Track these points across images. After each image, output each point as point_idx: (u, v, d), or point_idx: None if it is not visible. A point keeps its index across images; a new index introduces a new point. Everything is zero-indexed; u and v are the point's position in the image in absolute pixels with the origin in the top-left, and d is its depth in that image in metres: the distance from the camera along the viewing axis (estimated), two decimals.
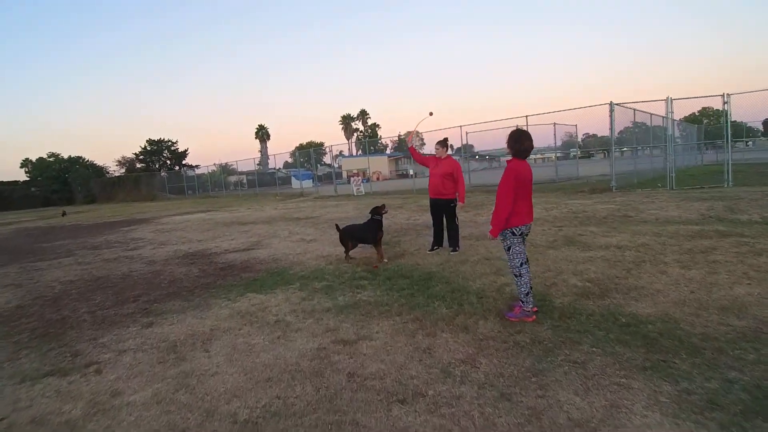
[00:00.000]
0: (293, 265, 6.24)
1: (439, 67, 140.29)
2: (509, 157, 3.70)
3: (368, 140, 53.55)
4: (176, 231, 11.82)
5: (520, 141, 3.63)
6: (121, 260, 7.82)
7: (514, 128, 3.81)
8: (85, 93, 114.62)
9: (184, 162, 56.20)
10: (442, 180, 6.28)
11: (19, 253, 9.92)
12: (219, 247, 8.38)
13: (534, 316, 3.59)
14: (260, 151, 74.56)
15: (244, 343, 3.40)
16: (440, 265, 5.58)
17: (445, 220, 6.46)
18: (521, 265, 3.60)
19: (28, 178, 55.49)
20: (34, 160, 56.40)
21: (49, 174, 53.53)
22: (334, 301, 4.38)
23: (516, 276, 3.64)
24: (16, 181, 54.89)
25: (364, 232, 6.32)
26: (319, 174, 38.80)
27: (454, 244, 6.33)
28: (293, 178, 40.38)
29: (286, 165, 59.88)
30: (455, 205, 6.37)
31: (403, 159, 59.30)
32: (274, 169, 49.43)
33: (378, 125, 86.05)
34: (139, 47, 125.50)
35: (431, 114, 6.75)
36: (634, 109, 15.64)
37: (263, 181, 41.31)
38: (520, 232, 3.60)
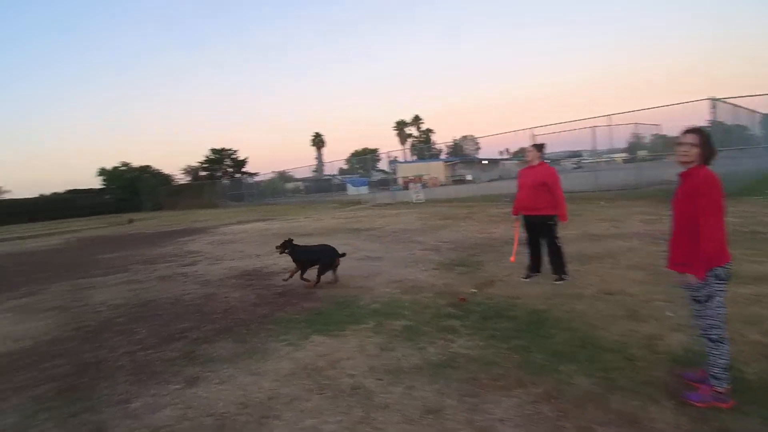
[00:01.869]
0: (361, 293, 5.30)
1: (496, 64, 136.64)
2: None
3: (423, 145, 52.37)
4: (233, 243, 11.31)
5: (711, 143, 2.48)
6: (175, 278, 7.24)
7: (692, 126, 2.61)
8: (156, 103, 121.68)
9: (243, 170, 57.67)
10: (534, 192, 5.07)
11: (76, 266, 9.70)
12: (277, 264, 7.62)
13: (731, 401, 2.41)
14: (316, 158, 75.56)
15: (314, 429, 2.45)
16: (547, 300, 4.43)
17: (542, 240, 5.26)
18: (724, 325, 2.43)
19: (103, 186, 58.97)
20: (109, 168, 59.84)
21: (120, 183, 56.62)
22: (423, 353, 3.37)
23: (713, 342, 2.45)
24: (92, 189, 58.55)
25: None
26: (373, 180, 38.18)
27: (559, 270, 5.12)
28: (349, 185, 40.05)
29: (341, 171, 59.99)
30: (554, 223, 5.12)
31: (459, 164, 57.68)
32: (330, 175, 49.55)
33: (432, 130, 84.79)
34: (203, 61, 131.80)
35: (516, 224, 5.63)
36: (736, 105, 13.63)
37: (319, 187, 41.33)
38: (727, 275, 2.42)
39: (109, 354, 3.95)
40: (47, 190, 61.01)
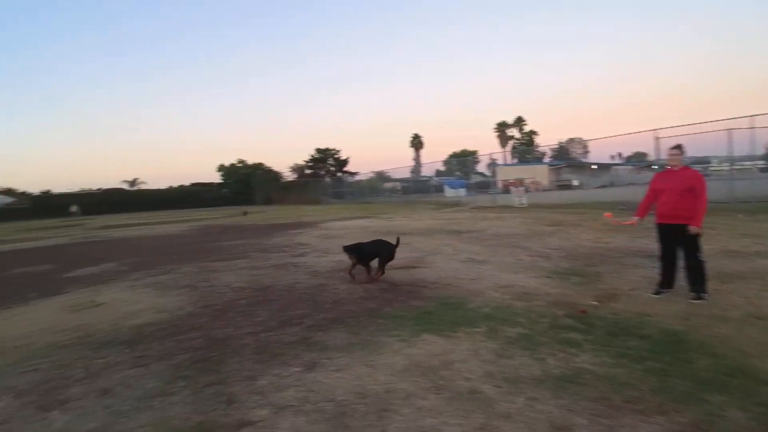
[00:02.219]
0: (470, 295, 5.16)
1: (614, 60, 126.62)
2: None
3: (525, 148, 50.28)
4: (337, 238, 11.74)
5: None
6: (288, 267, 7.68)
7: None
8: (267, 106, 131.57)
9: (345, 169, 60.06)
10: (680, 198, 4.53)
11: (202, 251, 10.74)
12: None
13: None
14: (414, 159, 76.17)
15: (435, 430, 2.40)
16: (684, 321, 3.93)
17: (681, 252, 4.67)
18: None
19: (221, 181, 65.13)
20: (227, 165, 65.92)
21: (236, 178, 62.10)
22: (543, 365, 3.16)
23: None
24: (212, 183, 65.06)
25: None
26: (472, 182, 37.46)
27: (698, 288, 4.53)
28: (446, 187, 39.76)
29: (438, 173, 59.86)
30: (698, 235, 4.52)
31: (565, 168, 54.38)
32: (427, 176, 49.63)
33: (535, 132, 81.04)
34: (309, 64, 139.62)
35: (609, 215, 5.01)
36: None
37: (416, 188, 41.59)
38: None
39: (235, 332, 4.27)
40: (175, 183, 69.07)
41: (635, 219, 5.13)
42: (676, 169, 4.71)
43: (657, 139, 16.56)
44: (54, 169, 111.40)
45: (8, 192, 66.24)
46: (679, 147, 4.75)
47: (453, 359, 3.30)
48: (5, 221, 43.68)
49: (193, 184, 66.04)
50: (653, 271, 5.18)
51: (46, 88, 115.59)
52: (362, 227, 14.65)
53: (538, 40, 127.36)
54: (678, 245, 4.67)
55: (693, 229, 4.43)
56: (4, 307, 5.85)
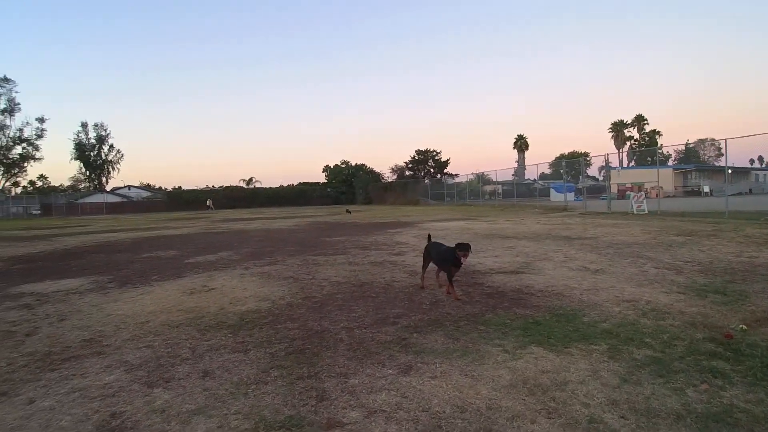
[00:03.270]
0: (585, 307, 4.58)
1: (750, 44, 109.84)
2: None
3: (646, 149, 45.69)
4: (437, 239, 11.47)
5: None
6: (386, 265, 7.60)
7: None
8: (374, 110, 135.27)
9: (445, 171, 59.57)
10: None
11: (306, 245, 11.14)
12: (482, 264, 7.33)
13: None
14: (517, 162, 73.15)
15: None
16: None
17: None
18: None
19: (325, 181, 68.41)
20: (332, 166, 69.05)
21: (339, 178, 64.75)
22: (681, 396, 2.60)
23: None
24: (317, 183, 68.67)
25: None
26: (581, 186, 34.79)
27: None
28: (552, 191, 37.46)
29: (543, 176, 56.65)
30: None
31: (694, 173, 48.32)
32: (532, 180, 47.24)
33: (658, 132, 73.27)
34: (411, 66, 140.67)
35: None
36: None
37: (520, 191, 39.81)
38: None
39: (331, 326, 4.21)
40: (285, 182, 74.20)
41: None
42: None
43: None
44: (183, 168, 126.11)
45: (147, 187, 76.38)
46: None
47: (567, 379, 2.87)
48: (144, 212, 50.38)
49: (301, 184, 70.30)
50: None
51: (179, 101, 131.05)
52: (462, 228, 14.22)
53: (661, 30, 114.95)
54: None
55: None
56: (130, 287, 6.49)
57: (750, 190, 43.30)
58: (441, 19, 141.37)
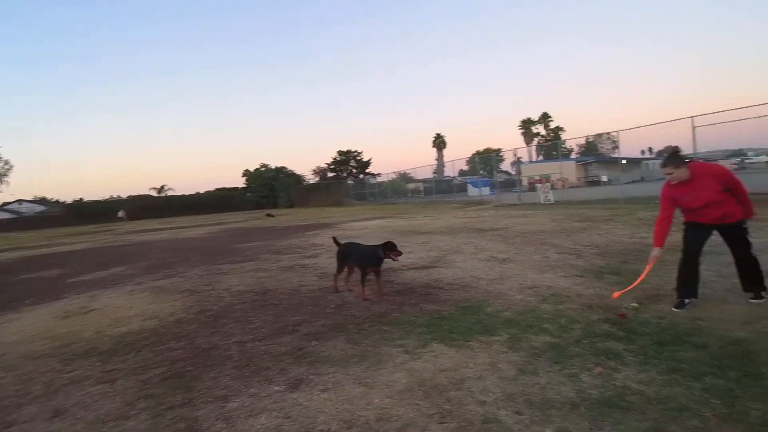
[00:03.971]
0: (490, 297, 4.55)
1: (643, 52, 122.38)
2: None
3: (551, 144, 48.91)
4: (354, 238, 11.23)
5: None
6: (296, 269, 7.21)
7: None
8: (289, 110, 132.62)
9: (367, 171, 59.73)
10: (718, 205, 3.64)
11: (214, 254, 10.39)
12: (396, 261, 7.19)
13: None
14: (437, 159, 75.29)
15: None
16: (746, 326, 3.25)
17: (731, 250, 3.85)
18: None
19: (245, 186, 65.78)
20: (252, 170, 66.50)
21: (260, 182, 62.56)
22: (577, 383, 2.55)
23: None
24: (236, 188, 65.81)
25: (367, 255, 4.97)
26: (496, 181, 36.52)
27: (757, 286, 3.78)
28: (470, 186, 38.93)
29: (461, 172, 58.74)
30: (747, 227, 3.75)
31: (593, 164, 52.60)
32: (450, 176, 48.85)
33: (561, 128, 78.95)
34: (333, 65, 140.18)
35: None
36: None
37: (440, 188, 40.89)
38: None
39: (222, 341, 3.79)
40: (202, 189, 70.13)
41: (656, 252, 3.93)
42: (684, 179, 3.68)
43: (694, 128, 15.41)
44: (82, 178, 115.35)
45: (42, 201, 68.63)
46: (671, 159, 3.70)
47: (465, 375, 2.72)
48: (39, 228, 45.09)
49: (218, 190, 66.93)
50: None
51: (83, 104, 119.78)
52: (381, 227, 14.13)
53: (560, 31, 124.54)
54: (704, 241, 3.85)
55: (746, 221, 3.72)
56: None
57: (642, 177, 47.89)
58: (358, 25, 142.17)
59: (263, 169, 65.10)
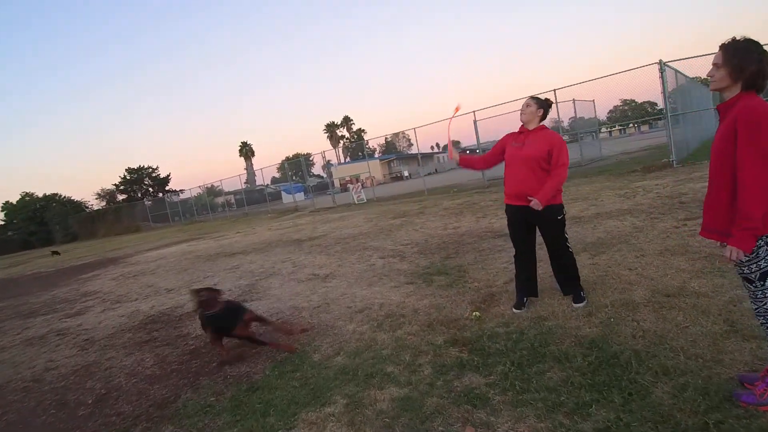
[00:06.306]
0: (315, 336, 3.62)
1: (426, 58, 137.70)
2: None
3: (357, 144, 51.11)
4: (144, 275, 9.12)
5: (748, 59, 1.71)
6: (49, 340, 5.16)
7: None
8: (51, 128, 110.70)
9: (167, 188, 53.20)
10: (531, 170, 3.18)
11: None
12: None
13: None
14: (246, 169, 71.80)
15: None
16: (589, 319, 3.01)
17: (545, 243, 3.41)
18: None
19: (3, 222, 52.11)
20: (15, 202, 52.85)
21: (24, 215, 50.22)
22: None
23: None
24: None
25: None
26: (310, 185, 36.23)
27: (573, 287, 3.37)
28: (283, 193, 37.76)
29: (274, 180, 57.01)
30: (563, 217, 3.30)
31: (395, 161, 56.79)
32: (263, 185, 46.80)
33: (363, 130, 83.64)
34: (108, 73, 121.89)
35: (458, 109, 3.65)
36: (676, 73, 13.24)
37: (252, 199, 38.67)
38: None
39: None
40: None
41: (454, 155, 3.54)
42: (529, 129, 3.30)
43: (475, 121, 17.23)
44: None
45: None
46: (534, 98, 3.36)
47: None
48: None
49: None
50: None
51: None
52: (182, 253, 12.02)
53: (357, 40, 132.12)
54: (533, 234, 3.42)
55: (534, 203, 3.06)
56: None
57: (436, 170, 53.59)
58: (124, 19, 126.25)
59: (28, 198, 52.42)
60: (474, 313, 3.46)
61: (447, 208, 11.16)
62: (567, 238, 3.37)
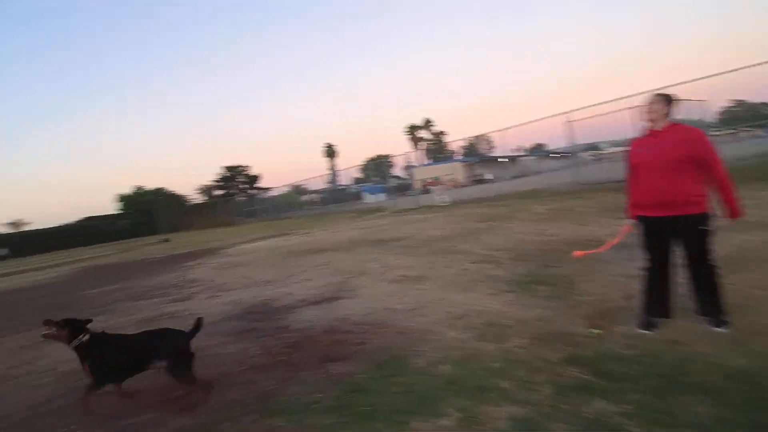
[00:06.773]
0: (415, 340, 3.51)
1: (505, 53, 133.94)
2: None
3: (438, 146, 50.77)
4: (242, 266, 9.64)
5: None
6: (159, 322, 5.57)
7: None
8: (164, 127, 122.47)
9: (257, 185, 56.66)
10: (674, 174, 2.82)
11: (52, 309, 8.10)
12: (291, 295, 5.90)
13: None
14: (329, 169, 74.35)
15: None
16: (735, 349, 2.59)
17: (686, 256, 2.97)
18: None
19: (119, 212, 58.34)
20: (126, 194, 59.18)
21: (136, 206, 55.97)
22: None
23: None
24: (108, 215, 57.98)
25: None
26: (390, 186, 36.56)
27: (715, 311, 2.93)
28: (365, 193, 38.47)
29: (356, 180, 58.32)
30: (707, 228, 2.88)
31: (477, 164, 55.63)
32: (345, 185, 48.13)
33: (444, 132, 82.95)
34: (211, 78, 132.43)
35: (627, 230, 3.30)
36: None
37: (335, 198, 39.92)
38: None
39: None
40: (69, 219, 60.32)
41: (628, 224, 3.26)
42: (659, 128, 2.96)
43: (569, 122, 16.22)
44: None
45: None
46: (660, 95, 2.98)
47: None
48: None
49: (86, 219, 58.32)
50: (630, 264, 3.91)
51: None
52: (273, 248, 12.59)
53: (432, 38, 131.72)
54: (670, 247, 3.02)
55: (709, 221, 2.81)
56: None
57: (521, 173, 51.69)
58: (224, 26, 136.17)
59: (139, 191, 58.46)
60: (592, 330, 3.15)
61: (538, 213, 10.62)
62: (712, 252, 2.94)
